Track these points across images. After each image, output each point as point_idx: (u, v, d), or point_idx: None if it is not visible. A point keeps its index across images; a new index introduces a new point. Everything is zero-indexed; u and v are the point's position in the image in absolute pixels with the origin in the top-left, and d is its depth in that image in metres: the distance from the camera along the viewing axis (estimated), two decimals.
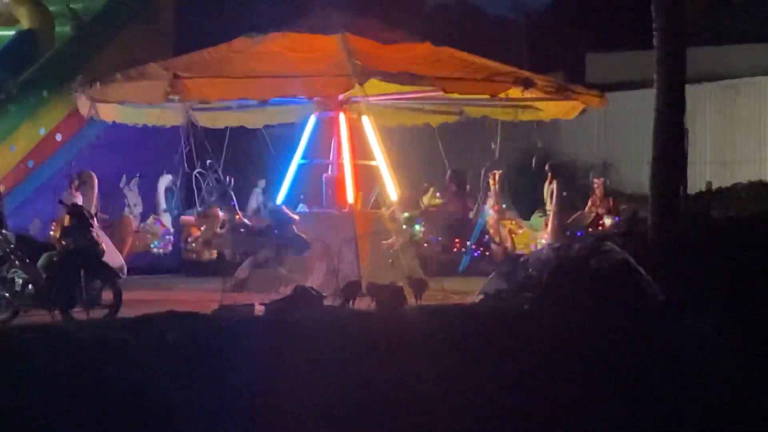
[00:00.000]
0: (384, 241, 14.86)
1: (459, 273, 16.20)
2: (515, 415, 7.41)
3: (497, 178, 16.53)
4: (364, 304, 11.75)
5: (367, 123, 16.46)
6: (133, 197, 17.43)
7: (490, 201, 16.59)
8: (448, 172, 17.51)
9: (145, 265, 16.99)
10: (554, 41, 27.30)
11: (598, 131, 21.86)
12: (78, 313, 11.74)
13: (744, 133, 20.27)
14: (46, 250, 12.50)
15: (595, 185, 17.05)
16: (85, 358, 7.96)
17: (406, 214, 15.78)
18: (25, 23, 18.51)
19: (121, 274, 12.57)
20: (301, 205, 16.29)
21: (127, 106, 15.89)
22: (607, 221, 16.06)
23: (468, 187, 17.43)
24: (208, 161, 15.85)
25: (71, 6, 18.99)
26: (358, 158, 16.01)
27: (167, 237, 17.16)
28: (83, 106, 15.76)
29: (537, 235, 16.26)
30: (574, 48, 25.29)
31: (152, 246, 17.03)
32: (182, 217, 17.02)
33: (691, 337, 9.23)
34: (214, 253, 16.28)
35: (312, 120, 16.56)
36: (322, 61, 14.45)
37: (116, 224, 16.40)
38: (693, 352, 8.87)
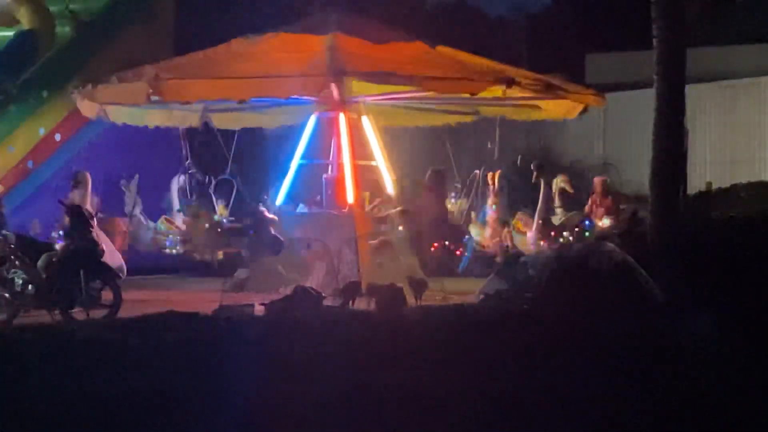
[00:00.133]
0: (370, 242, 14.86)
1: (459, 273, 16.19)
2: (515, 415, 7.41)
3: (496, 177, 16.51)
4: (364, 304, 11.76)
5: (367, 123, 16.45)
6: (131, 197, 17.37)
7: (490, 201, 16.57)
8: (428, 171, 17.27)
9: (149, 265, 16.98)
10: (554, 41, 27.25)
11: (598, 131, 21.81)
12: (78, 313, 11.76)
13: (744, 133, 20.22)
14: (46, 250, 12.52)
15: (595, 185, 17.01)
16: (85, 358, 7.97)
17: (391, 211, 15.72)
18: (25, 24, 18.50)
19: (121, 274, 12.60)
20: (301, 205, 16.29)
21: (135, 108, 15.90)
22: (606, 221, 16.02)
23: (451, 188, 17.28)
24: (187, 162, 15.87)
25: (71, 7, 18.99)
26: (358, 158, 16.00)
27: (179, 238, 17.11)
28: (90, 108, 15.75)
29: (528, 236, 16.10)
30: (574, 48, 25.23)
31: (167, 245, 16.94)
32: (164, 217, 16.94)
33: (690, 337, 9.24)
34: (220, 254, 16.31)
35: (312, 120, 16.56)
36: (305, 61, 14.40)
37: (105, 225, 16.35)
38: (693, 351, 8.88)
